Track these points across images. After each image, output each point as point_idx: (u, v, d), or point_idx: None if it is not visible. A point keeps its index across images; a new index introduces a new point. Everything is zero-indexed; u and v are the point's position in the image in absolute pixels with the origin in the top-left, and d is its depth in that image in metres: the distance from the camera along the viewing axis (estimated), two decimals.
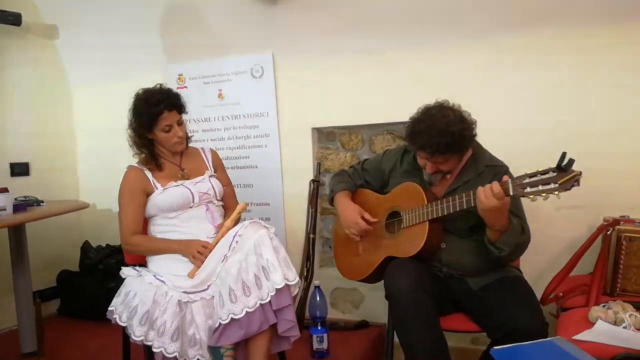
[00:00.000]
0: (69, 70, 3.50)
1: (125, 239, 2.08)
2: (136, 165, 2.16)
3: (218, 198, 2.19)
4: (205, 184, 2.15)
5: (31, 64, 3.32)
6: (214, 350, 1.88)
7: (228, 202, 2.25)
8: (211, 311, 1.89)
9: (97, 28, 3.23)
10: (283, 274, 1.85)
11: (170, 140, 2.11)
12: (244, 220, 2.04)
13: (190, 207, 2.09)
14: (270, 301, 1.84)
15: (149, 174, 2.11)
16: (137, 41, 3.15)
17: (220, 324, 1.83)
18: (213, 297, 1.89)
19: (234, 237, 1.93)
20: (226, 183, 2.27)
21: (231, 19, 2.93)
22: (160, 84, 2.18)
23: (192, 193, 2.09)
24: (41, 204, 2.81)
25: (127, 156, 2.57)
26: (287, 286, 1.87)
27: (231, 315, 1.81)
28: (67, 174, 3.56)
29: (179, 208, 2.07)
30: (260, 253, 1.87)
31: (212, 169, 2.25)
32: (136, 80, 3.27)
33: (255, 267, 1.85)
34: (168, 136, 2.10)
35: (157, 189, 2.09)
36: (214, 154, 2.31)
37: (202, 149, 2.30)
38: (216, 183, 2.19)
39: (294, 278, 1.90)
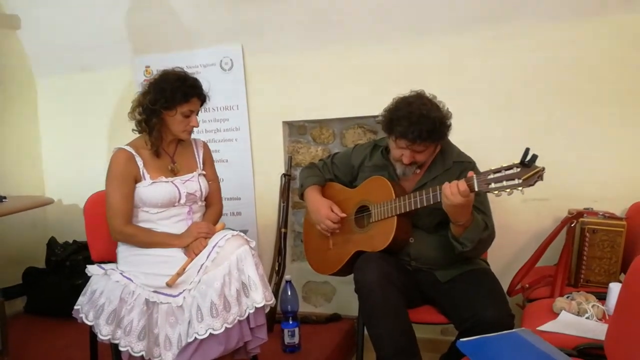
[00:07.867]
0: (32, 61, 3.39)
1: (119, 227, 1.95)
2: (127, 148, 2.00)
3: (203, 199, 2.13)
4: (194, 184, 2.06)
5: None
6: None
7: (212, 198, 2.18)
8: (174, 321, 1.83)
9: (60, 18, 3.13)
10: (263, 293, 1.85)
11: (184, 127, 2.01)
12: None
13: (174, 206, 2.02)
14: (247, 318, 1.84)
15: (140, 162, 1.98)
16: (103, 32, 3.07)
17: (196, 338, 1.76)
18: (180, 306, 1.83)
19: (213, 247, 1.88)
20: (212, 178, 2.19)
21: (200, 10, 2.88)
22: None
23: (179, 193, 2.00)
24: (4, 200, 2.73)
25: (93, 151, 2.52)
26: (263, 305, 1.86)
27: (210, 331, 1.76)
28: (31, 169, 3.45)
29: (163, 205, 1.99)
30: (242, 268, 1.84)
31: (202, 166, 2.16)
32: (102, 71, 3.25)
33: (237, 282, 1.82)
34: (184, 121, 2.00)
35: (144, 179, 1.98)
36: (206, 148, 2.21)
37: (195, 141, 2.19)
38: (204, 182, 2.12)
39: (271, 298, 1.89)
